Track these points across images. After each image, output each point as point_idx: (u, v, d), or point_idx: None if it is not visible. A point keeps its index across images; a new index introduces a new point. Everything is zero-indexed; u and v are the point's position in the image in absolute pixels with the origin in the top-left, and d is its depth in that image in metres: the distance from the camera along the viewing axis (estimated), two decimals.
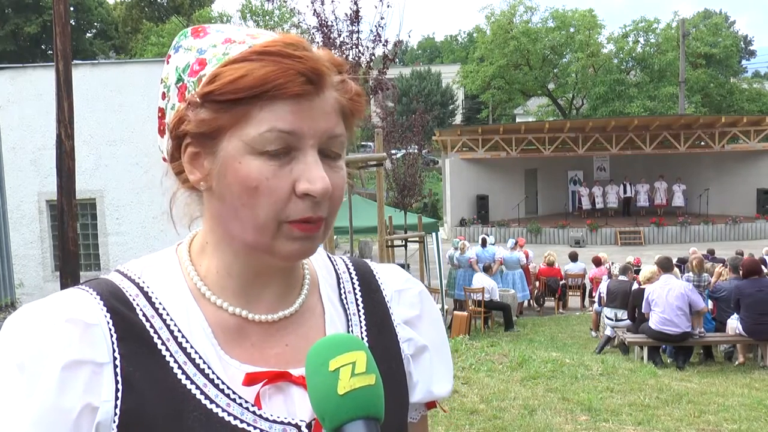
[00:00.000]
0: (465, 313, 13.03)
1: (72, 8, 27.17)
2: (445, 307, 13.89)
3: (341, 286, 0.99)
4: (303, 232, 0.82)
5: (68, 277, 6.62)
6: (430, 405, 1.03)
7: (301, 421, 0.85)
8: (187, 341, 0.85)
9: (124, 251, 15.19)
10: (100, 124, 15.16)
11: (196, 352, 0.85)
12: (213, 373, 0.84)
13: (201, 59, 0.83)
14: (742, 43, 52.77)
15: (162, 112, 0.87)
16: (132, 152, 14.94)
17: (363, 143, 38.43)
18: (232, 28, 0.86)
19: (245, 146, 0.80)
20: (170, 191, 0.89)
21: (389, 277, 1.03)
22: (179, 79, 0.84)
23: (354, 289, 0.99)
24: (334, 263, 1.02)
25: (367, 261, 1.06)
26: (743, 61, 51.89)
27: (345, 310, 0.97)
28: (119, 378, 0.80)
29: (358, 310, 0.97)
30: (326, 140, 0.82)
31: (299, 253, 0.84)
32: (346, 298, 0.98)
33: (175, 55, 0.86)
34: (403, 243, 13.60)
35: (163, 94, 0.86)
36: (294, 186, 0.80)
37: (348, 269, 1.02)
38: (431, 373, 0.99)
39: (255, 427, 0.83)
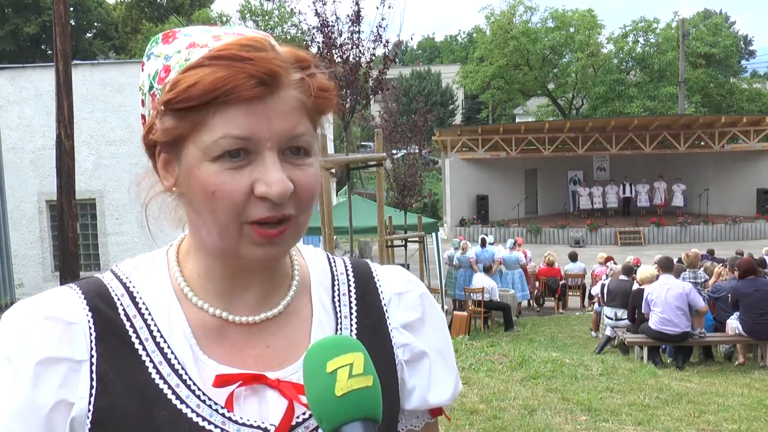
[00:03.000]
0: (465, 313, 13.03)
1: (72, 8, 27.17)
2: (445, 307, 13.90)
3: (336, 287, 0.98)
4: (265, 238, 0.82)
5: (68, 277, 6.62)
6: (436, 412, 1.00)
7: (271, 425, 0.85)
8: (165, 341, 0.86)
9: (124, 251, 15.19)
10: (100, 124, 15.17)
11: (172, 353, 0.86)
12: (186, 373, 0.85)
13: (167, 66, 0.83)
14: (742, 43, 52.76)
15: (144, 119, 0.88)
16: (132, 152, 14.95)
17: (363, 143, 38.44)
18: (200, 31, 0.85)
19: (202, 153, 0.80)
20: (144, 196, 0.90)
21: (389, 279, 1.01)
22: (151, 87, 0.85)
23: (349, 291, 0.98)
24: (333, 264, 1.01)
25: (369, 262, 1.04)
26: (743, 61, 51.87)
27: (336, 313, 0.95)
28: (94, 376, 0.82)
29: (351, 313, 0.96)
30: (287, 141, 0.81)
31: (264, 258, 0.84)
32: (339, 300, 0.97)
33: (147, 63, 0.86)
34: (403, 243, 13.60)
35: (142, 101, 0.87)
36: (252, 188, 0.80)
37: (346, 270, 1.00)
38: (429, 380, 0.97)
39: (223, 430, 0.83)
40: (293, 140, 0.82)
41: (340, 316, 0.95)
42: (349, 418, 0.72)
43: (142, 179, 0.89)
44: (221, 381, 0.85)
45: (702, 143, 27.16)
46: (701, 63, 36.72)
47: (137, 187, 0.90)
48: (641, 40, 38.68)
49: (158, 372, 0.84)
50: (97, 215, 15.83)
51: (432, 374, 0.97)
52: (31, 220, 15.87)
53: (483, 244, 15.34)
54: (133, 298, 0.88)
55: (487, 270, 14.26)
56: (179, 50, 0.83)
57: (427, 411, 0.99)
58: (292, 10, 10.88)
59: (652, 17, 40.03)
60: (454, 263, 15.46)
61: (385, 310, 0.98)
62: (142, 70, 0.87)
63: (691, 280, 10.14)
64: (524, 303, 15.88)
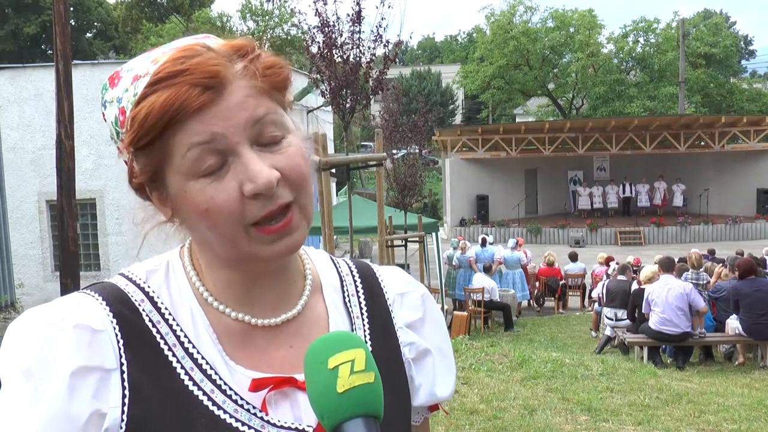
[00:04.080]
0: (465, 313, 13.03)
1: (72, 8, 27.17)
2: (445, 307, 13.90)
3: (345, 289, 0.99)
4: (274, 233, 0.81)
5: (68, 277, 6.61)
6: (433, 407, 1.03)
7: (308, 426, 0.85)
8: (193, 347, 0.85)
9: (124, 251, 15.19)
10: (100, 124, 15.14)
11: (202, 358, 0.85)
12: (220, 378, 0.84)
13: (122, 108, 0.82)
14: (742, 43, 52.76)
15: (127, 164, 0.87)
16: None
17: (363, 143, 38.43)
18: (140, 61, 0.84)
19: (182, 175, 0.80)
20: (144, 230, 0.89)
21: (392, 280, 1.03)
22: (117, 134, 0.84)
23: (357, 292, 0.99)
24: (338, 266, 1.02)
25: (370, 263, 1.05)
26: (743, 61, 51.86)
27: (348, 313, 0.96)
28: (126, 384, 0.80)
29: (362, 314, 0.97)
30: (252, 127, 0.80)
31: (283, 251, 0.83)
32: (349, 301, 0.98)
33: (106, 111, 0.86)
34: (403, 243, 13.59)
35: (119, 149, 0.87)
36: (242, 190, 0.79)
37: (351, 272, 1.01)
38: (433, 376, 0.99)
39: None
40: (258, 124, 0.80)
41: (353, 317, 0.96)
42: (350, 414, 0.71)
43: (140, 216, 0.89)
44: (257, 385, 0.84)
45: (702, 143, 27.16)
46: (701, 63, 36.71)
47: (136, 225, 0.89)
48: (641, 40, 38.69)
49: (191, 378, 0.83)
50: (97, 215, 15.83)
51: (436, 370, 1.00)
52: (31, 220, 15.87)
53: (483, 243, 15.33)
54: (154, 304, 0.86)
55: (486, 270, 14.26)
56: (126, 88, 0.82)
57: (426, 407, 1.01)
58: (292, 9, 10.88)
59: (652, 17, 40.07)
60: (453, 263, 15.45)
61: (390, 310, 0.99)
62: (105, 119, 0.86)
63: (693, 281, 10.13)
64: (524, 303, 15.87)
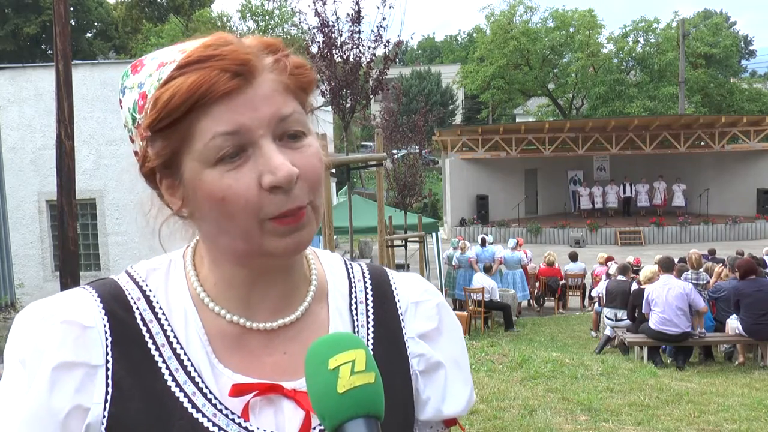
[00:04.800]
0: (465, 313, 13.02)
1: (72, 8, 27.15)
2: None
3: (353, 295, 0.96)
4: (287, 225, 0.81)
5: (68, 277, 6.60)
6: (450, 422, 0.99)
7: None
8: (181, 348, 0.85)
9: (124, 251, 15.18)
10: (100, 124, 15.16)
11: (189, 360, 0.84)
12: (203, 381, 0.84)
13: (142, 93, 0.82)
14: (742, 43, 52.76)
15: (138, 155, 0.87)
16: (132, 152, 14.94)
17: (363, 143, 38.42)
18: (166, 51, 0.84)
19: (199, 163, 0.79)
20: (153, 222, 0.89)
21: (406, 288, 0.99)
22: (134, 120, 0.83)
23: (367, 299, 0.97)
24: (350, 270, 0.99)
25: (386, 269, 1.02)
26: (743, 61, 51.88)
27: (353, 321, 0.94)
28: (110, 381, 0.81)
29: (368, 322, 0.95)
30: (277, 124, 0.80)
31: (293, 246, 0.82)
32: (356, 308, 0.95)
33: (124, 98, 0.85)
34: (403, 243, 13.60)
35: (131, 138, 0.86)
36: (260, 182, 0.79)
37: (364, 277, 0.99)
38: (444, 391, 0.96)
39: None
40: (284, 122, 0.80)
41: (357, 325, 0.94)
42: (351, 414, 0.71)
43: (148, 208, 0.89)
44: (237, 390, 0.84)
45: (702, 143, 27.16)
46: (701, 63, 36.71)
47: (144, 216, 0.89)
48: (641, 40, 38.70)
49: (174, 379, 0.83)
50: (97, 215, 15.82)
51: (447, 385, 0.96)
52: (31, 220, 15.87)
53: (483, 243, 15.33)
54: (149, 303, 0.87)
55: (487, 270, 14.25)
56: (150, 74, 0.82)
57: (441, 421, 0.98)
58: (292, 9, 10.89)
59: (652, 17, 40.10)
60: (453, 263, 15.45)
61: (401, 319, 0.96)
62: (121, 107, 0.86)
63: (693, 281, 10.14)
64: (524, 303, 15.87)
